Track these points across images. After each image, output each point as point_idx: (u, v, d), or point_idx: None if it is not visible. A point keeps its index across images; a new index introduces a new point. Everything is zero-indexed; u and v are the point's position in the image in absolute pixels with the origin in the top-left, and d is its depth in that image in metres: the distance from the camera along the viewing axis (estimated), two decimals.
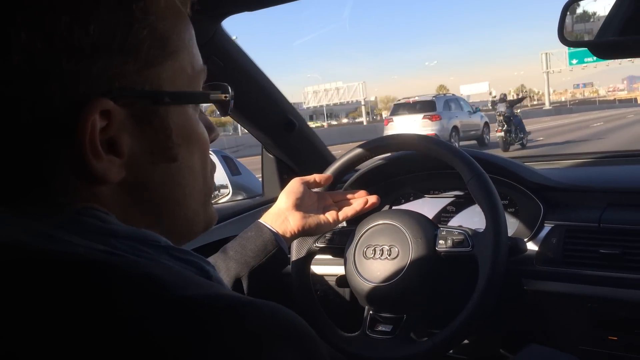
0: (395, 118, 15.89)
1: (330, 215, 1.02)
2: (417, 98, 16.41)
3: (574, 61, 68.42)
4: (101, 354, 0.33)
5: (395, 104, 16.96)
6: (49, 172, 0.42)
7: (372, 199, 1.06)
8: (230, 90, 0.55)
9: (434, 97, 16.20)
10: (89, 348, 0.33)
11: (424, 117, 15.15)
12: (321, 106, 62.63)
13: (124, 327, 0.34)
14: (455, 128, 15.63)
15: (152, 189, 0.47)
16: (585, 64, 68.62)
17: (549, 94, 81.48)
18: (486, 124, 17.17)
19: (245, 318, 0.35)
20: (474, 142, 16.33)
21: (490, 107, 17.15)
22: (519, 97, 19.09)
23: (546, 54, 79.74)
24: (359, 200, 1.06)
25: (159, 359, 0.33)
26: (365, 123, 50.84)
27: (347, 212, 1.04)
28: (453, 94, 18.47)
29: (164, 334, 0.33)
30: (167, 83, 0.46)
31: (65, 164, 0.42)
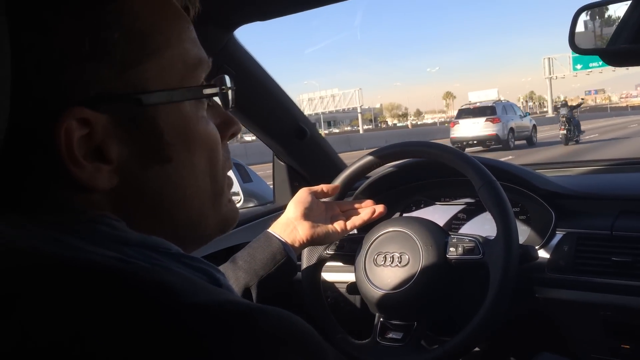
0: (460, 121, 18.11)
1: (338, 225, 1.03)
2: (478, 104, 19.56)
3: (578, 66, 64.24)
4: None
5: (459, 109, 19.41)
6: (42, 183, 0.42)
7: (379, 208, 1.07)
8: (228, 82, 0.53)
9: (493, 102, 19.06)
10: (102, 355, 0.33)
11: (486, 120, 17.30)
12: (316, 114, 62.50)
13: (137, 333, 0.34)
14: (511, 129, 17.85)
15: (150, 192, 0.46)
16: (590, 69, 64.34)
17: (552, 101, 76.77)
18: (534, 127, 19.89)
19: (254, 324, 0.36)
20: (524, 142, 18.87)
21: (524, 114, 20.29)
22: (577, 103, 23.26)
23: (549, 58, 75.19)
24: (367, 209, 1.07)
25: None
26: (361, 131, 50.44)
27: (354, 221, 1.06)
28: (507, 100, 20.98)
29: (175, 340, 0.34)
30: (153, 83, 0.45)
31: (54, 174, 0.42)
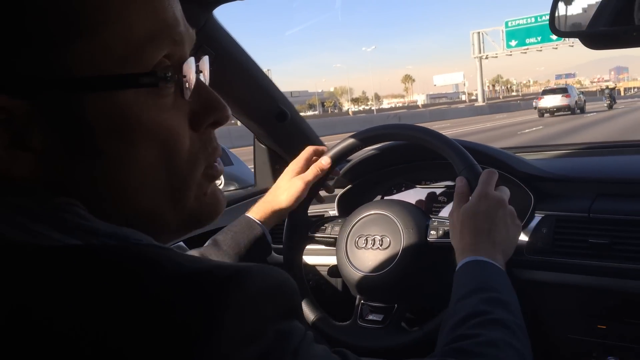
0: (545, 96, 29.50)
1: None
2: (554, 86, 33.78)
3: (513, 43, 57.75)
4: (119, 336, 0.33)
5: (544, 90, 31.97)
6: None
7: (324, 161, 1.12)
8: (192, 67, 0.47)
9: (565, 85, 32.61)
10: (90, 338, 0.33)
11: (562, 96, 28.72)
12: None
13: (128, 311, 0.34)
14: (576, 102, 29.56)
15: (84, 185, 0.42)
16: (526, 47, 58.03)
17: (482, 86, 65.31)
18: (584, 101, 32.01)
19: (246, 283, 0.37)
20: (578, 111, 29.53)
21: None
22: (611, 87, 39.68)
23: (479, 33, 63.39)
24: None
25: (179, 331, 0.34)
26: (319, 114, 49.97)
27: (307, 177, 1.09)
28: (571, 85, 36.87)
29: (166, 311, 0.34)
30: (83, 66, 0.40)
31: None
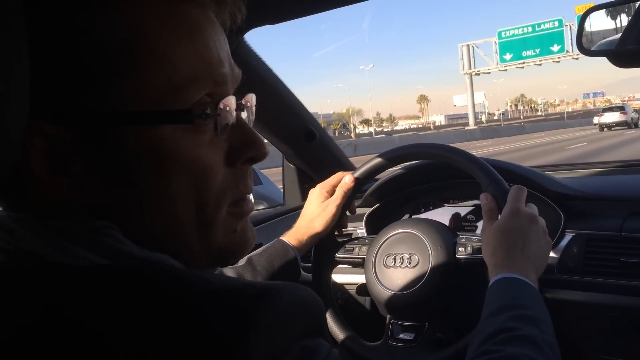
0: (604, 113, 34.69)
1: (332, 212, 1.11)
2: (613, 105, 41.45)
3: (507, 56, 49.18)
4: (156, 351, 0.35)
5: (604, 108, 38.07)
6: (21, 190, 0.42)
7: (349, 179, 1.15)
8: (233, 103, 0.48)
9: (622, 104, 38.78)
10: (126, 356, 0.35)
11: (620, 113, 33.53)
12: None
13: (160, 328, 0.35)
14: (631, 118, 34.00)
15: (119, 213, 0.43)
16: (522, 60, 49.45)
17: (473, 107, 53.18)
18: (638, 117, 35.89)
19: (274, 301, 0.38)
20: (633, 126, 33.43)
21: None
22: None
23: (468, 46, 54.51)
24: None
25: (212, 346, 0.35)
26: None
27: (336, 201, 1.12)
28: (626, 104, 45.89)
29: (198, 327, 0.36)
30: (129, 101, 0.41)
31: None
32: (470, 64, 54.57)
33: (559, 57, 48.87)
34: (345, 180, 1.14)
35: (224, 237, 0.49)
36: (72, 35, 0.40)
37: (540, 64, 52.13)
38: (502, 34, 50.80)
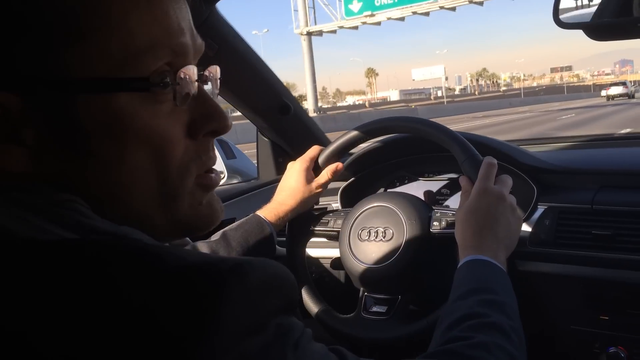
0: (611, 87, 47.21)
1: (314, 188, 1.11)
2: (617, 81, 65.91)
3: (355, 6, 30.35)
4: (111, 332, 0.34)
5: (610, 83, 54.15)
6: None
7: (339, 165, 1.14)
8: (195, 73, 0.47)
9: (625, 81, 56.04)
10: (93, 330, 0.34)
11: (623, 87, 45.98)
12: None
13: (131, 303, 0.34)
14: (630, 90, 45.14)
15: (78, 184, 0.43)
16: (376, 12, 29.58)
17: (314, 89, 33.94)
18: (636, 90, 50.27)
19: (247, 277, 0.38)
20: (632, 97, 43.09)
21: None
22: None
23: None
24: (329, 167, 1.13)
25: (179, 325, 0.34)
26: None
27: (320, 180, 1.11)
28: (627, 80, 70.69)
29: (176, 303, 0.35)
30: (81, 69, 0.41)
31: None
32: (307, 19, 33.83)
33: (426, 6, 30.69)
34: (337, 166, 1.13)
35: (190, 210, 0.49)
36: None
37: (403, 19, 31.70)
38: None
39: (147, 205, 0.46)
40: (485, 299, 0.73)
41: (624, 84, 48.19)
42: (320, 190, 1.11)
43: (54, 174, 0.42)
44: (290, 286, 0.42)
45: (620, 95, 44.55)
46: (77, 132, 0.42)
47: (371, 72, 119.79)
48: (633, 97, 44.12)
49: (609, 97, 45.12)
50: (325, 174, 1.11)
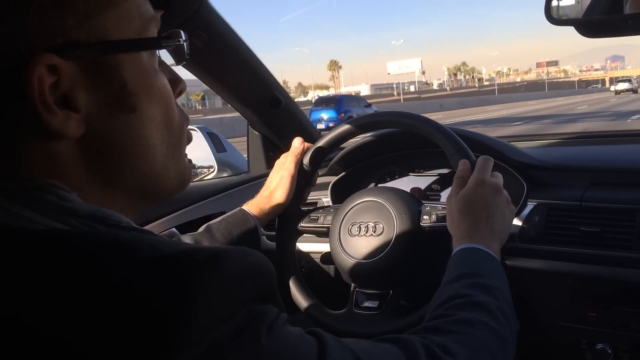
0: (619, 83, 55.13)
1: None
2: (624, 78, 63.56)
3: None
4: (87, 323, 0.34)
5: (618, 80, 59.88)
6: (9, 135, 0.42)
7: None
8: (183, 35, 0.53)
9: (630, 77, 64.95)
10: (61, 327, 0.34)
11: (628, 83, 53.78)
12: None
13: (108, 293, 0.35)
14: (635, 85, 52.77)
15: (116, 142, 0.47)
16: None
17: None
18: (639, 85, 55.05)
19: (223, 266, 0.38)
20: (636, 91, 50.97)
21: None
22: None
23: None
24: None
25: (153, 315, 0.34)
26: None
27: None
28: (631, 77, 74.12)
29: (151, 293, 0.35)
30: (114, 32, 0.46)
31: (22, 124, 0.42)
32: None
33: None
34: (294, 144, 1.12)
35: (184, 160, 0.55)
36: None
37: None
38: None
39: (164, 155, 0.51)
40: (474, 282, 0.74)
41: (629, 80, 55.82)
42: (290, 178, 1.09)
43: (96, 139, 0.45)
44: (268, 274, 0.43)
45: (626, 90, 51.33)
46: (122, 90, 0.46)
47: (334, 65, 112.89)
48: (636, 92, 50.19)
49: (616, 92, 51.98)
50: (290, 159, 1.11)
